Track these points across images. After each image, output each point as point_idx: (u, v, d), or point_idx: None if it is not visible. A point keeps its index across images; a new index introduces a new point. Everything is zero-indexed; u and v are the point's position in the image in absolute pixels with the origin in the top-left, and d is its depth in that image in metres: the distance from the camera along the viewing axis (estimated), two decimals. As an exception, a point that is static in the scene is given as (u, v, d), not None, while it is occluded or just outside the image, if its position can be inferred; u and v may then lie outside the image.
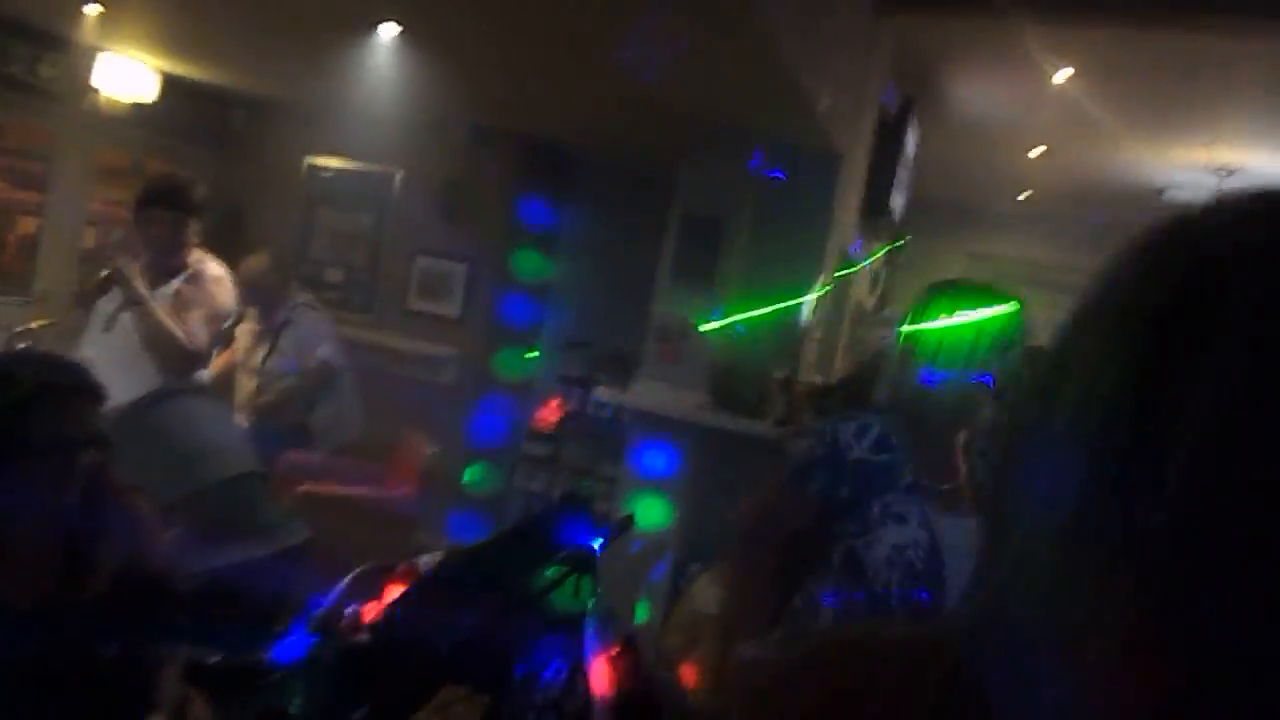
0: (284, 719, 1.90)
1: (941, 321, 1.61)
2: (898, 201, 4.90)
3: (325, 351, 4.25)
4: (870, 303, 5.78)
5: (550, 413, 5.18)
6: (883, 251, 5.87)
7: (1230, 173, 5.53)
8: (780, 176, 4.13)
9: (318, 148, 5.77)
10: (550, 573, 1.95)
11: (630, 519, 2.33)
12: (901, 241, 5.84)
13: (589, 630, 1.99)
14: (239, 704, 1.90)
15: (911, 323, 1.67)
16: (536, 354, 5.37)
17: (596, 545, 2.00)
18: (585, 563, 2.03)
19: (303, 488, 3.60)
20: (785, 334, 4.09)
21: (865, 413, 1.67)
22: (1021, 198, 7.01)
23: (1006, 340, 1.60)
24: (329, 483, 3.85)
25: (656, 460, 4.01)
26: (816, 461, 1.62)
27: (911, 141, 4.85)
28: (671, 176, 4.24)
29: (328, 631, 1.95)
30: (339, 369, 4.30)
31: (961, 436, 1.70)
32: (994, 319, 1.60)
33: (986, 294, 1.64)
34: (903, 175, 4.84)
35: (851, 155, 4.32)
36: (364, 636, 1.88)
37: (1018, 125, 5.50)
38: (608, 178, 5.24)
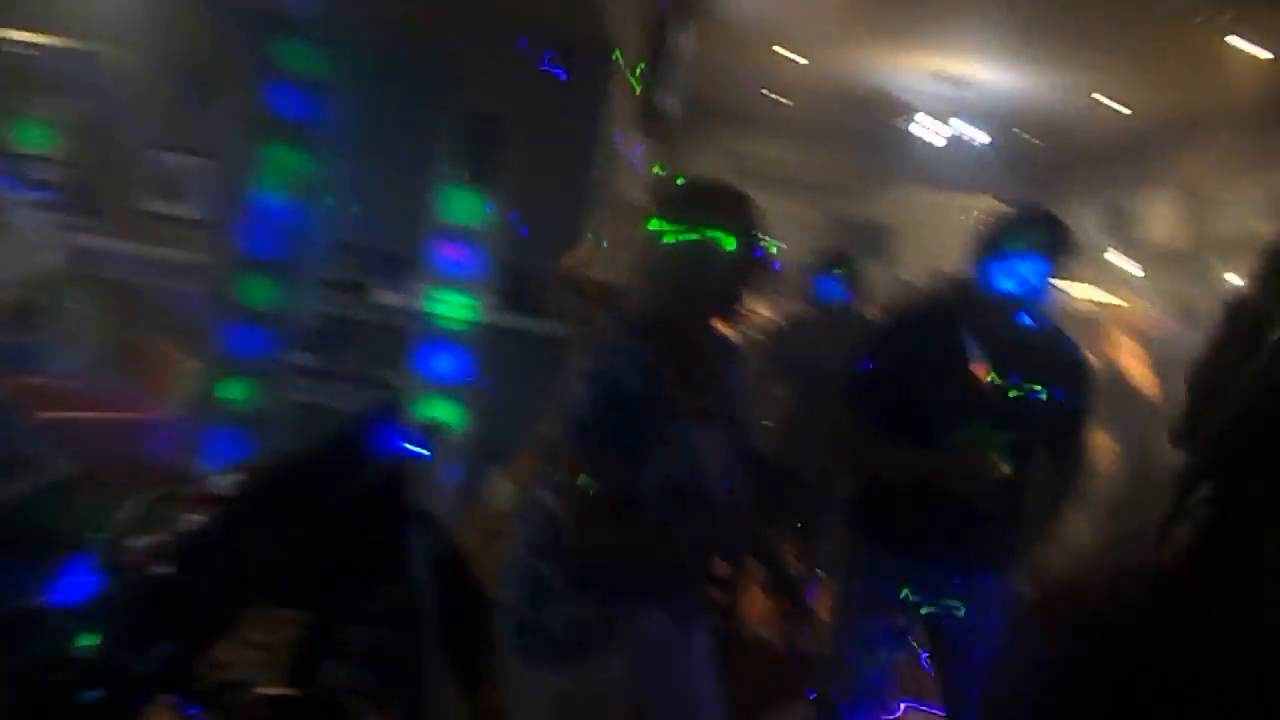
0: (68, 666, 1.73)
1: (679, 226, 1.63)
2: (671, 101, 4.98)
3: (46, 260, 3.74)
4: (643, 202, 5.88)
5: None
6: (654, 152, 5.96)
7: (963, 84, 6.10)
8: (559, 72, 4.06)
9: (9, 20, 4.90)
10: (366, 484, 1.88)
11: (437, 424, 2.28)
12: (672, 141, 5.96)
13: (414, 537, 1.96)
14: (15, 655, 1.71)
15: (657, 221, 1.68)
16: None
17: (415, 453, 1.95)
18: (403, 472, 1.98)
19: (44, 415, 3.19)
20: (568, 232, 4.09)
21: (621, 337, 1.65)
22: (782, 101, 7.34)
23: (745, 234, 1.64)
24: (72, 406, 3.43)
25: (444, 363, 3.93)
26: (602, 406, 1.57)
27: (685, 43, 4.91)
28: (447, 68, 4.04)
29: (117, 567, 1.78)
30: (68, 279, 3.81)
31: (711, 346, 1.75)
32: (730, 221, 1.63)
33: (719, 192, 1.69)
34: (676, 76, 4.91)
35: (628, 53, 4.31)
36: (163, 567, 1.73)
37: (780, 31, 5.72)
38: (374, 65, 4.88)
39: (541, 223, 3.97)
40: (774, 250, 1.74)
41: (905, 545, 2.21)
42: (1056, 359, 2.21)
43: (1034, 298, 2.13)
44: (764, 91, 7.22)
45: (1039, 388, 2.13)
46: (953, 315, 2.22)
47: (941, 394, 2.15)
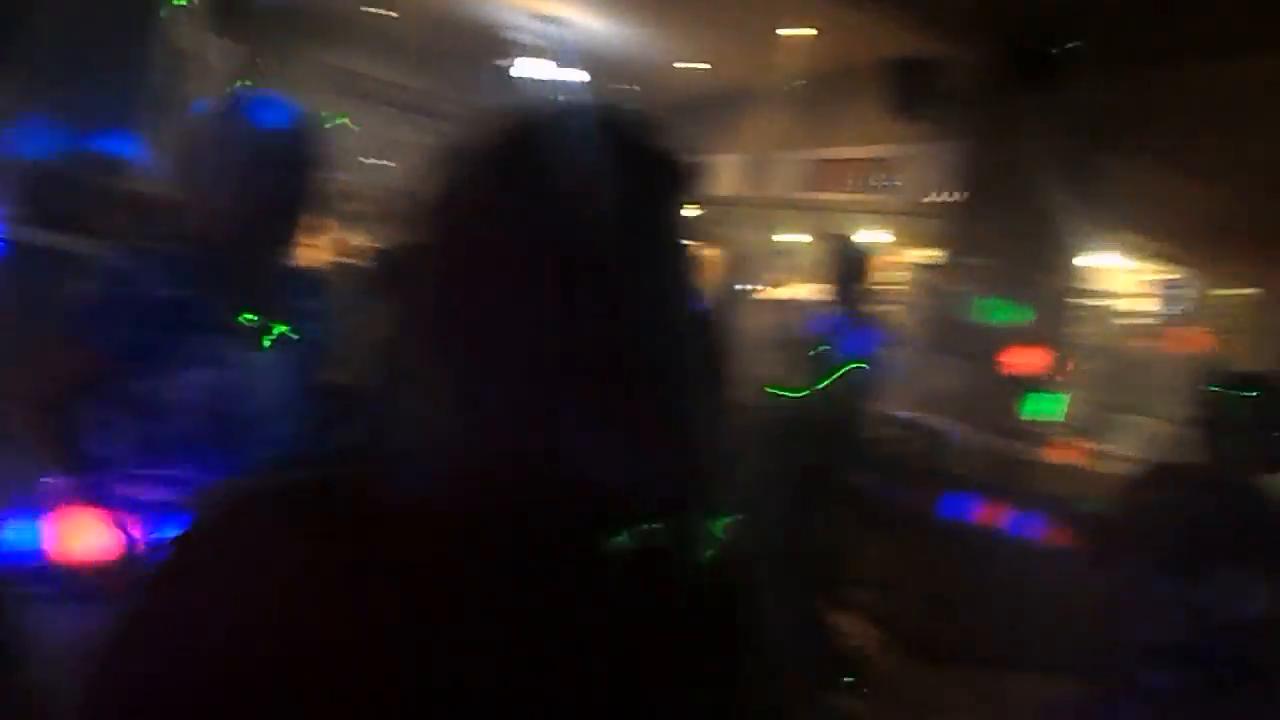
0: None
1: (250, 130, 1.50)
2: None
3: None
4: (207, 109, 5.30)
5: None
6: (236, 59, 5.39)
7: (556, 21, 6.40)
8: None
9: None
10: None
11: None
12: (256, 46, 5.43)
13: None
14: None
15: (212, 130, 1.52)
16: None
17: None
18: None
19: None
20: (115, 135, 3.55)
21: (170, 240, 1.49)
22: (375, 10, 7.05)
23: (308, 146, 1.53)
24: None
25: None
26: (108, 304, 1.39)
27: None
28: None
29: None
30: None
31: (276, 265, 1.59)
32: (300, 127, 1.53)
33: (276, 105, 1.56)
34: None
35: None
36: None
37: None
38: None
39: (80, 121, 3.38)
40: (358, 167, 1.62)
41: None
42: None
43: None
44: (364, 7, 6.86)
45: None
46: None
47: None
